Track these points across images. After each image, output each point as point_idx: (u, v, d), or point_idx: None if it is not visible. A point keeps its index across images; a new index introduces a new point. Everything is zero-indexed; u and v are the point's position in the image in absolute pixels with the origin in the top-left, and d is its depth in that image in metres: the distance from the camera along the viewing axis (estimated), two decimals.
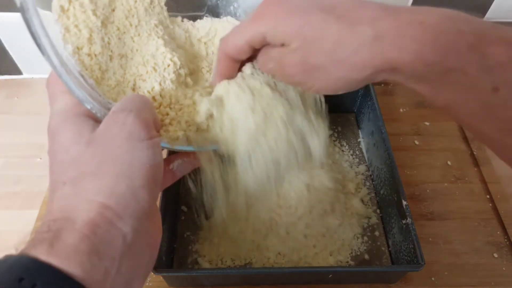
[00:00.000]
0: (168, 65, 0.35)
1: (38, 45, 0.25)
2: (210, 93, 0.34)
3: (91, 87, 0.30)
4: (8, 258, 0.20)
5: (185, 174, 0.35)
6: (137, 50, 0.35)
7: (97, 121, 0.27)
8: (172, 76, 0.34)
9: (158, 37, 0.36)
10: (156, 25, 0.36)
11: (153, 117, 0.28)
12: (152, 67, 0.34)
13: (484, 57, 0.22)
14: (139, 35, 0.35)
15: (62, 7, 0.30)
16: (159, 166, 0.26)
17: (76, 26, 0.31)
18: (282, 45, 0.27)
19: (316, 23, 0.25)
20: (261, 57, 0.30)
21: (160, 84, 0.33)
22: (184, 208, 0.49)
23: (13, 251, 0.21)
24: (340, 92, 0.28)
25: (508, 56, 0.21)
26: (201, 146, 0.33)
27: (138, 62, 0.34)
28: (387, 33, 0.23)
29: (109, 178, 0.23)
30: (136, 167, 0.24)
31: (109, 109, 0.28)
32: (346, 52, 0.25)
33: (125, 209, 0.23)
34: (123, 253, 0.22)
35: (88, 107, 0.27)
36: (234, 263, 0.44)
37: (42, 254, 0.20)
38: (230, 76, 0.32)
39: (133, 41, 0.35)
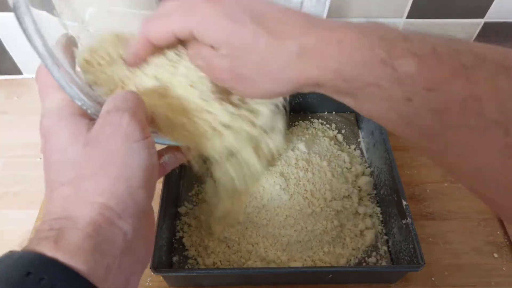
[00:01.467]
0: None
1: (30, 41, 0.25)
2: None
3: (82, 80, 0.30)
4: (13, 253, 0.21)
5: (174, 168, 0.35)
6: None
7: (91, 119, 0.27)
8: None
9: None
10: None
11: (145, 115, 0.28)
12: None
13: (394, 70, 0.23)
14: None
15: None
16: (155, 165, 0.26)
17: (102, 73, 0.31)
18: (211, 46, 0.27)
19: (246, 34, 0.26)
20: (190, 50, 0.30)
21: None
22: (184, 208, 0.49)
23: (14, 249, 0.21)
24: (268, 99, 0.31)
25: (416, 67, 0.22)
26: None
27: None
28: (310, 51, 0.25)
29: (109, 180, 0.24)
30: (134, 168, 0.25)
31: (99, 103, 0.28)
32: (272, 67, 0.26)
33: (125, 209, 0.24)
34: (124, 250, 0.23)
35: (79, 103, 0.27)
36: (233, 264, 0.44)
37: (48, 251, 0.21)
38: (144, 58, 0.31)
39: None
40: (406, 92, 0.23)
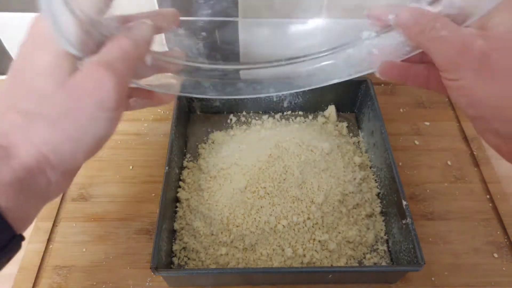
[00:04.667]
0: None
1: None
2: None
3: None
4: None
5: (138, 109, 0.34)
6: None
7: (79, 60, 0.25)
8: None
9: None
10: None
11: (133, 73, 0.27)
12: None
13: None
14: None
15: None
16: (109, 136, 0.27)
17: None
18: None
19: None
20: None
21: None
22: (182, 209, 0.49)
23: None
24: None
25: None
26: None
27: None
28: None
29: (60, 135, 0.24)
30: (89, 134, 0.25)
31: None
32: None
33: (60, 163, 0.25)
34: (44, 196, 0.25)
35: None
36: (233, 264, 0.44)
37: None
38: None
39: None
40: None
